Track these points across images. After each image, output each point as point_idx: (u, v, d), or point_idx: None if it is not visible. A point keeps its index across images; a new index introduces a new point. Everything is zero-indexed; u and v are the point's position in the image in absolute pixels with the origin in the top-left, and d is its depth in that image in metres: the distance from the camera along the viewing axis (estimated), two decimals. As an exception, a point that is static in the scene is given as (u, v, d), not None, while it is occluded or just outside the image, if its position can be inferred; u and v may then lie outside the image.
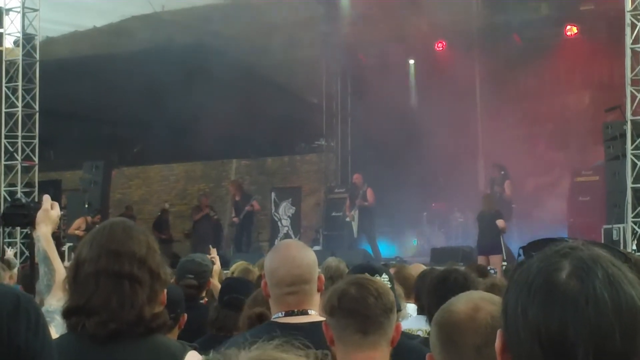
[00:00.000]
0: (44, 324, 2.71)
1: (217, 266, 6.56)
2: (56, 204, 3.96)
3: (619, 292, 1.47)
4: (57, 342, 2.80)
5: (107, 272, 2.90)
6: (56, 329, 3.15)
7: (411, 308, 5.93)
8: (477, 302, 2.53)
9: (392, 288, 4.46)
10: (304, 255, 3.61)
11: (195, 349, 3.02)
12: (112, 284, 2.89)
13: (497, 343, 1.57)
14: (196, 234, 22.90)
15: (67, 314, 2.94)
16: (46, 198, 3.94)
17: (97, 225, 3.23)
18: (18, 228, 16.15)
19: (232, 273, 7.06)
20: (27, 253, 17.73)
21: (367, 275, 3.65)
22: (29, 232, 4.37)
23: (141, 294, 2.89)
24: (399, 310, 3.54)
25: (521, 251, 1.76)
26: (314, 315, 3.49)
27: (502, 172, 19.15)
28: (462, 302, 2.55)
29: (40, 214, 3.88)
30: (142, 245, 2.97)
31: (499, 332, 1.57)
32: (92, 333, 2.85)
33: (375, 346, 3.14)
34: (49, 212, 3.89)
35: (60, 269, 3.75)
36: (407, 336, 4.19)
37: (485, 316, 2.48)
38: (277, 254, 3.66)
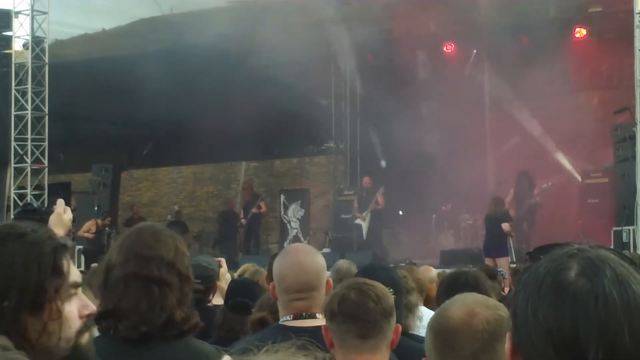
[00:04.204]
0: None
1: (224, 269, 6.55)
2: (68, 209, 3.97)
3: (627, 291, 1.47)
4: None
5: (136, 276, 2.92)
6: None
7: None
8: (472, 307, 2.54)
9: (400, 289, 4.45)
10: (312, 261, 3.57)
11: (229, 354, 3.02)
12: (141, 287, 2.91)
13: (507, 345, 1.57)
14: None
15: (97, 318, 2.96)
16: (60, 202, 3.95)
17: (126, 230, 3.25)
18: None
19: (243, 274, 7.05)
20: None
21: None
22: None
23: (171, 297, 2.91)
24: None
25: (527, 257, 1.77)
26: (321, 319, 3.49)
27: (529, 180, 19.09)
28: (457, 307, 2.55)
29: (53, 218, 3.88)
30: (170, 248, 2.98)
31: (508, 335, 1.57)
32: (124, 336, 2.88)
33: (375, 350, 3.15)
34: (62, 216, 3.90)
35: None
36: (415, 339, 4.17)
37: (481, 321, 2.49)
38: (286, 259, 3.62)
